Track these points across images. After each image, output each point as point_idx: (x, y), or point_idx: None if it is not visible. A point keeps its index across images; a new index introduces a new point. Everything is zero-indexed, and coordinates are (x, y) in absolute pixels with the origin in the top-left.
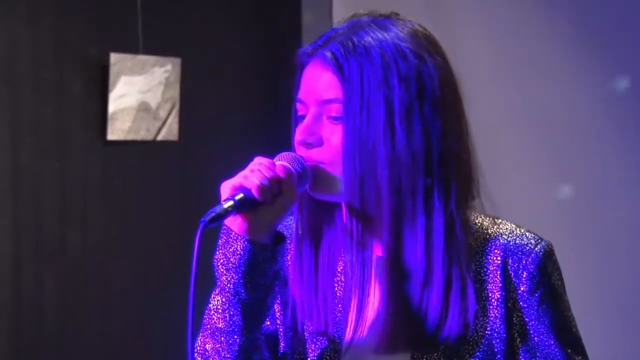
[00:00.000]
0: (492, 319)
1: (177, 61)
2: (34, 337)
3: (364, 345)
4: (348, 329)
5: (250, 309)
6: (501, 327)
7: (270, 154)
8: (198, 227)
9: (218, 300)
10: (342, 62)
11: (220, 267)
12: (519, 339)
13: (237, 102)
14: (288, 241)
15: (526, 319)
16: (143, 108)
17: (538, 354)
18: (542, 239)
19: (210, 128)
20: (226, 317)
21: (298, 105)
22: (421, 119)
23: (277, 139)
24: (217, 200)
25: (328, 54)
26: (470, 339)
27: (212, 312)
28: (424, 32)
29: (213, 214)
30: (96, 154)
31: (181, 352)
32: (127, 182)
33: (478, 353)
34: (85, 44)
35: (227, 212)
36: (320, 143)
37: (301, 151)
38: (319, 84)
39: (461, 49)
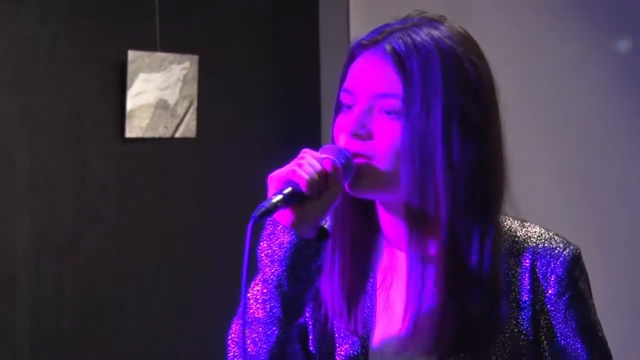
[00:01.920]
0: (520, 320)
1: (195, 58)
2: (51, 333)
3: (394, 344)
4: (377, 328)
5: (290, 302)
6: (529, 329)
7: (287, 150)
8: (249, 222)
9: (258, 291)
10: (404, 58)
11: (264, 258)
12: (545, 342)
13: (254, 100)
14: None
15: (553, 322)
16: (161, 105)
17: (564, 356)
18: (570, 243)
19: (227, 125)
20: (266, 308)
21: (344, 95)
22: (475, 126)
23: (293, 136)
24: (234, 195)
25: (388, 47)
26: (499, 340)
27: (252, 301)
28: (470, 37)
29: (263, 209)
30: (114, 151)
31: (197, 348)
32: (145, 178)
33: (505, 354)
34: (103, 41)
35: (276, 207)
36: (370, 136)
37: (348, 142)
38: (375, 76)
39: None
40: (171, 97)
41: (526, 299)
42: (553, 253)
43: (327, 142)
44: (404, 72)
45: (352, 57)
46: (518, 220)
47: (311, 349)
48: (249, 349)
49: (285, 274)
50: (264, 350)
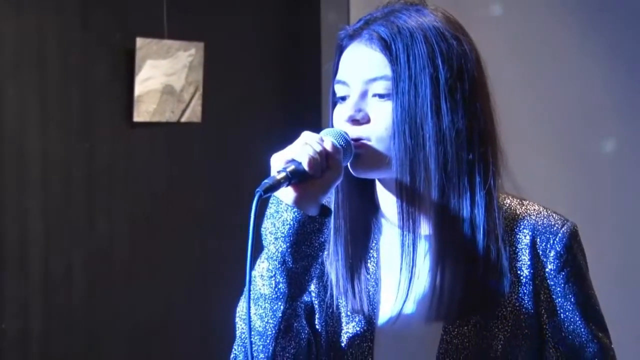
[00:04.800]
0: (521, 295)
1: (201, 45)
2: (63, 314)
3: (398, 319)
4: (382, 305)
5: (295, 278)
6: (529, 302)
7: (291, 135)
8: (253, 198)
9: (264, 268)
10: (390, 42)
11: (268, 235)
12: (545, 315)
13: (258, 85)
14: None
15: (553, 297)
16: (168, 91)
17: (564, 329)
18: (568, 220)
19: (232, 110)
20: (272, 284)
21: (338, 87)
22: (463, 98)
23: (296, 120)
24: (238, 177)
25: (373, 34)
26: (500, 314)
27: (257, 278)
28: (453, 17)
29: (267, 184)
30: (123, 135)
31: (207, 325)
32: (153, 161)
33: (507, 327)
34: (111, 29)
35: (279, 183)
36: (367, 120)
37: (347, 128)
38: (364, 62)
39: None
40: (177, 83)
41: (527, 274)
42: (552, 230)
43: (329, 121)
44: (390, 54)
45: (340, 50)
46: (517, 198)
47: (317, 327)
48: (256, 325)
49: (289, 250)
50: (271, 326)
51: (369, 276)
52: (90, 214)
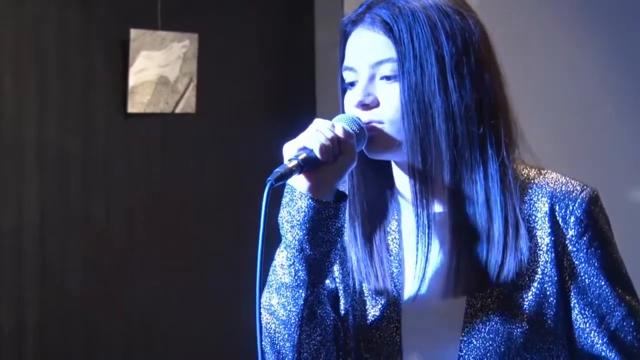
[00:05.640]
0: (543, 263)
1: (195, 37)
2: (58, 303)
3: (422, 297)
4: (407, 285)
5: (315, 264)
6: (552, 270)
7: (283, 124)
8: (265, 187)
9: (283, 257)
10: (392, 24)
11: (285, 224)
12: (570, 282)
13: (252, 76)
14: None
15: (576, 262)
16: (162, 82)
17: (589, 295)
18: (587, 186)
19: (225, 101)
20: (291, 272)
21: (345, 73)
22: (470, 73)
23: (291, 111)
24: (232, 167)
25: (375, 17)
26: (523, 284)
27: (277, 267)
28: None
29: (279, 173)
30: (117, 126)
31: (203, 314)
32: (147, 152)
33: (531, 297)
34: (106, 20)
35: (291, 171)
36: (377, 103)
37: (358, 113)
38: (369, 46)
39: None
40: (172, 74)
41: (548, 242)
42: (571, 196)
43: (323, 111)
44: (393, 35)
45: (345, 36)
46: (535, 168)
47: (343, 312)
48: (280, 314)
49: (306, 237)
50: (294, 314)
51: (391, 257)
52: (86, 205)
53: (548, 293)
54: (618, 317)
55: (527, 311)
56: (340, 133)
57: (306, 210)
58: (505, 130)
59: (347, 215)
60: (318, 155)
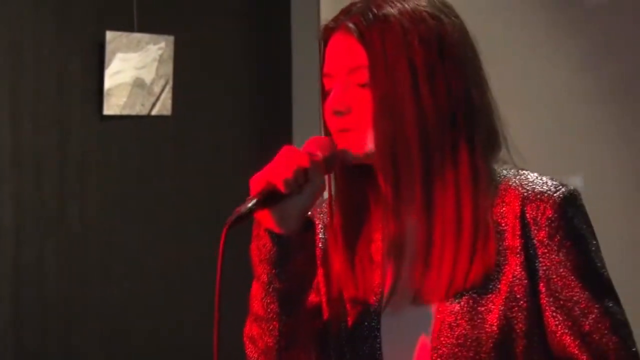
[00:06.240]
0: (513, 266)
1: (171, 39)
2: (34, 307)
3: (399, 305)
4: (386, 294)
5: (286, 296)
6: (522, 273)
7: (262, 128)
8: (222, 229)
9: (255, 289)
10: (364, 30)
11: (254, 258)
12: (541, 284)
13: (228, 78)
14: (320, 226)
15: (547, 263)
16: (138, 84)
17: (561, 297)
18: (563, 185)
19: (202, 103)
20: (264, 305)
21: (325, 80)
22: (444, 78)
23: (267, 114)
24: (208, 170)
25: (350, 24)
26: (493, 287)
27: (252, 299)
28: None
29: (237, 215)
30: (93, 128)
31: (182, 314)
32: (123, 154)
33: (501, 300)
34: (82, 22)
35: (250, 211)
36: (350, 110)
37: (332, 120)
38: (344, 53)
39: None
40: (148, 76)
41: (518, 244)
42: (543, 197)
43: (298, 114)
44: (365, 43)
45: (325, 42)
46: (515, 169)
47: (325, 323)
48: (259, 345)
49: (274, 271)
50: (271, 345)
51: (373, 265)
52: (62, 206)
53: (518, 296)
54: (591, 319)
55: (496, 315)
56: (306, 163)
57: (271, 246)
58: (482, 135)
59: (324, 234)
60: (281, 189)
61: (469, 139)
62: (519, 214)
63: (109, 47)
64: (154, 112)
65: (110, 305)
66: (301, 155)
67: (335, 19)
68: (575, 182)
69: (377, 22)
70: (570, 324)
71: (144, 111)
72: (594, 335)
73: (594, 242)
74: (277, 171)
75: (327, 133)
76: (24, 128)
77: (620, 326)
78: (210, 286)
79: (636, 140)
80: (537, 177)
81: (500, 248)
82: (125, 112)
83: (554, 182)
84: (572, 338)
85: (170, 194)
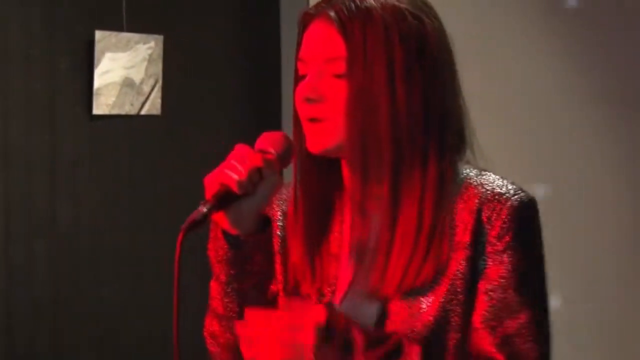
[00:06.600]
0: (459, 260)
1: (160, 38)
2: (24, 307)
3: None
4: (341, 287)
5: (245, 295)
6: (466, 268)
7: (249, 128)
8: (178, 234)
9: (214, 289)
10: (346, 21)
11: (212, 258)
12: (480, 281)
13: (217, 78)
14: (280, 213)
15: (490, 262)
16: (127, 83)
17: (494, 297)
18: (523, 191)
19: (191, 102)
20: (224, 304)
21: (299, 65)
22: (421, 78)
23: (257, 112)
24: (197, 169)
25: (332, 13)
26: (439, 280)
27: (212, 298)
28: None
29: (192, 222)
30: (82, 127)
31: (170, 317)
32: (113, 154)
33: (442, 292)
34: (71, 21)
35: (205, 217)
36: (322, 99)
37: (303, 107)
38: (322, 42)
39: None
40: (137, 76)
41: (467, 240)
42: (501, 199)
43: (288, 113)
44: (346, 34)
45: (303, 27)
46: (479, 169)
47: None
48: (220, 340)
49: (231, 272)
50: (232, 341)
51: (330, 257)
52: (52, 207)
53: (458, 290)
54: (517, 323)
55: (435, 306)
56: (259, 162)
57: (227, 246)
58: (452, 136)
59: (282, 227)
60: (235, 190)
61: (439, 140)
62: (474, 212)
63: (98, 47)
64: (143, 112)
65: (101, 305)
66: (254, 155)
67: (317, 6)
68: (546, 188)
69: (359, 14)
70: (494, 324)
71: (133, 111)
72: (516, 339)
73: (541, 252)
74: (232, 172)
75: (297, 120)
76: (13, 128)
77: (543, 339)
78: (204, 287)
79: (614, 145)
80: (498, 179)
81: (452, 243)
82: (115, 111)
83: (514, 186)
84: (492, 337)
85: (159, 194)
